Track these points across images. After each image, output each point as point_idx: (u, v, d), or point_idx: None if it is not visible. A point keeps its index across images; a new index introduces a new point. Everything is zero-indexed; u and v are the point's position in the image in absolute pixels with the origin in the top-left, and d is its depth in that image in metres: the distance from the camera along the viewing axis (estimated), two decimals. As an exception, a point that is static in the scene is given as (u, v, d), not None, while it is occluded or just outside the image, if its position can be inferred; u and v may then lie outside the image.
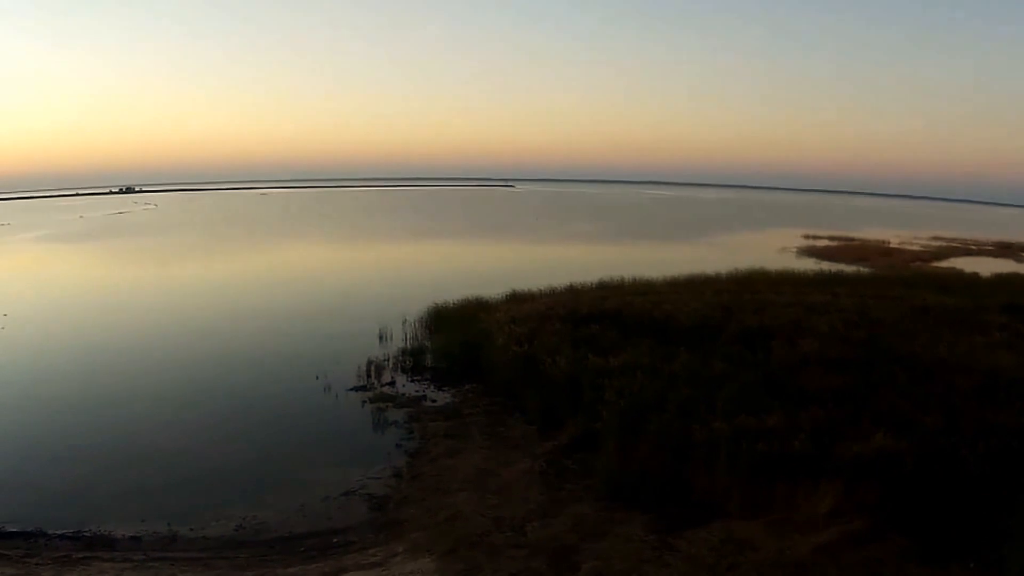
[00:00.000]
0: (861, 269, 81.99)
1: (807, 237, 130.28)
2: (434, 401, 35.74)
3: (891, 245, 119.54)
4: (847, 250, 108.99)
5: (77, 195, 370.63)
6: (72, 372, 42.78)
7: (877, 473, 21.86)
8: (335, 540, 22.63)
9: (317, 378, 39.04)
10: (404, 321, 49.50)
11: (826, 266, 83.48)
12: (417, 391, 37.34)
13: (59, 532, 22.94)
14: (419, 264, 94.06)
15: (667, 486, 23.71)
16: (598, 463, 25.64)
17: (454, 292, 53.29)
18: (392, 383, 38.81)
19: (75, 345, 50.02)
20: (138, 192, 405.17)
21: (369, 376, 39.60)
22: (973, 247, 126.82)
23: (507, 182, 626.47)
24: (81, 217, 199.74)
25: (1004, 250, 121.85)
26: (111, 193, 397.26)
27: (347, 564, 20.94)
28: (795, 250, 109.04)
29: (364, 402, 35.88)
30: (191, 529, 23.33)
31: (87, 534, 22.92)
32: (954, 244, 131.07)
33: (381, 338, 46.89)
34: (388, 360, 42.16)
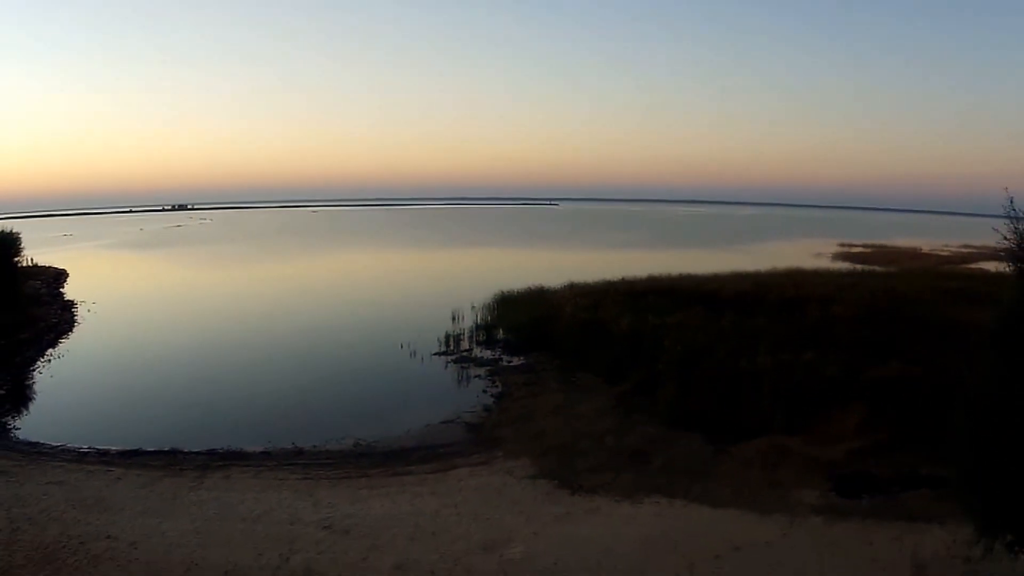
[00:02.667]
0: (891, 269, 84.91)
1: (841, 245, 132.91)
2: (509, 362, 40.16)
3: (922, 251, 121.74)
4: (879, 255, 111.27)
5: (132, 212, 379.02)
6: (196, 342, 48.62)
7: (897, 395, 25.98)
8: (442, 451, 26.99)
9: (402, 347, 43.60)
10: (473, 307, 53.65)
11: (859, 268, 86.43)
12: (492, 356, 41.78)
13: (196, 450, 27.29)
14: (479, 265, 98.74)
15: (719, 413, 27.88)
16: (660, 397, 29.90)
17: (515, 286, 56.92)
18: (469, 350, 43.33)
19: (196, 324, 55.82)
20: (191, 209, 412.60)
21: (448, 345, 44.17)
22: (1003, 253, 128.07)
23: (551, 201, 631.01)
24: (141, 229, 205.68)
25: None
26: (165, 210, 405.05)
27: (457, 463, 25.33)
28: (830, 255, 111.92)
29: (447, 364, 40.46)
30: (314, 446, 27.72)
31: (221, 451, 27.23)
32: (984, 250, 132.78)
33: (454, 319, 51.19)
34: (463, 334, 46.58)
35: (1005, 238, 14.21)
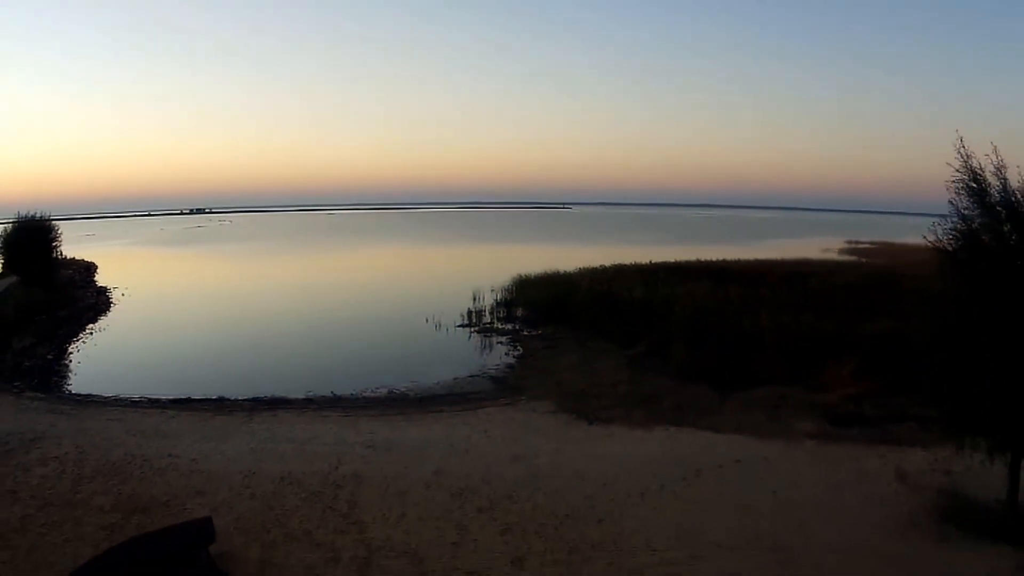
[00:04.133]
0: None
1: (849, 242, 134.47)
2: (529, 332, 42.19)
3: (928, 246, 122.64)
4: (884, 251, 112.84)
5: (150, 215, 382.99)
6: (234, 317, 51.35)
7: (887, 347, 27.90)
8: (470, 396, 29.18)
9: (427, 320, 45.74)
10: (492, 289, 55.77)
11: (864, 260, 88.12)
12: (513, 328, 43.85)
13: (242, 398, 29.43)
14: (498, 257, 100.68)
15: (726, 367, 29.83)
16: (671, 355, 31.90)
17: (532, 271, 58.80)
18: (490, 323, 45.47)
19: (234, 304, 58.45)
20: (209, 213, 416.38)
21: (470, 319, 46.32)
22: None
23: (564, 204, 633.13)
24: (162, 229, 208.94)
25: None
26: (183, 213, 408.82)
27: (484, 404, 27.49)
28: (837, 250, 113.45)
29: (470, 334, 42.57)
30: (351, 394, 29.98)
31: (265, 398, 29.33)
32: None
33: (474, 299, 53.20)
34: (484, 310, 48.73)
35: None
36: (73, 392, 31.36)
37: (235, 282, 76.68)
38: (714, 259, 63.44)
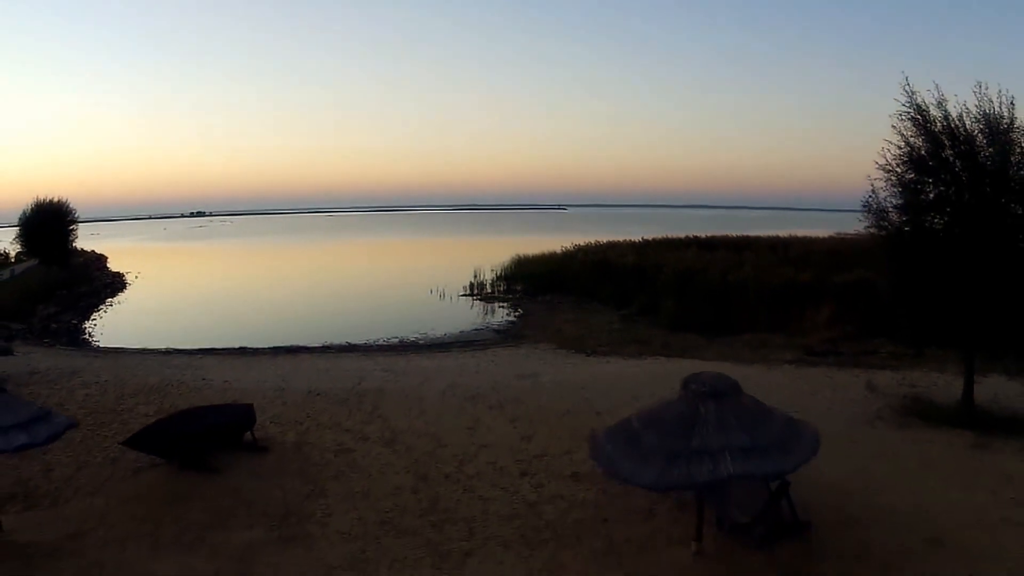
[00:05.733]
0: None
1: (837, 233, 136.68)
2: (528, 299, 44.00)
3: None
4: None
5: (150, 219, 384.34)
6: (248, 293, 52.94)
7: (862, 295, 29.76)
8: (476, 343, 31.09)
9: (431, 292, 47.52)
10: (492, 268, 57.45)
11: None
12: (512, 297, 45.65)
13: (265, 346, 31.20)
14: (494, 245, 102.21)
15: (712, 318, 31.73)
16: (661, 310, 33.78)
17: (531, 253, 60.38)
18: (491, 293, 47.25)
19: (246, 284, 60.03)
20: (208, 216, 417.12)
21: (472, 289, 48.21)
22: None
23: (559, 206, 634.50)
24: (165, 229, 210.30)
25: None
26: (183, 216, 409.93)
27: (493, 348, 29.36)
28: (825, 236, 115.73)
29: (473, 302, 44.39)
30: (365, 342, 31.97)
31: (285, 347, 31.05)
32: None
33: (475, 275, 54.83)
34: (484, 283, 50.49)
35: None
36: (102, 346, 33.08)
37: (248, 265, 78.94)
38: (703, 235, 65.00)
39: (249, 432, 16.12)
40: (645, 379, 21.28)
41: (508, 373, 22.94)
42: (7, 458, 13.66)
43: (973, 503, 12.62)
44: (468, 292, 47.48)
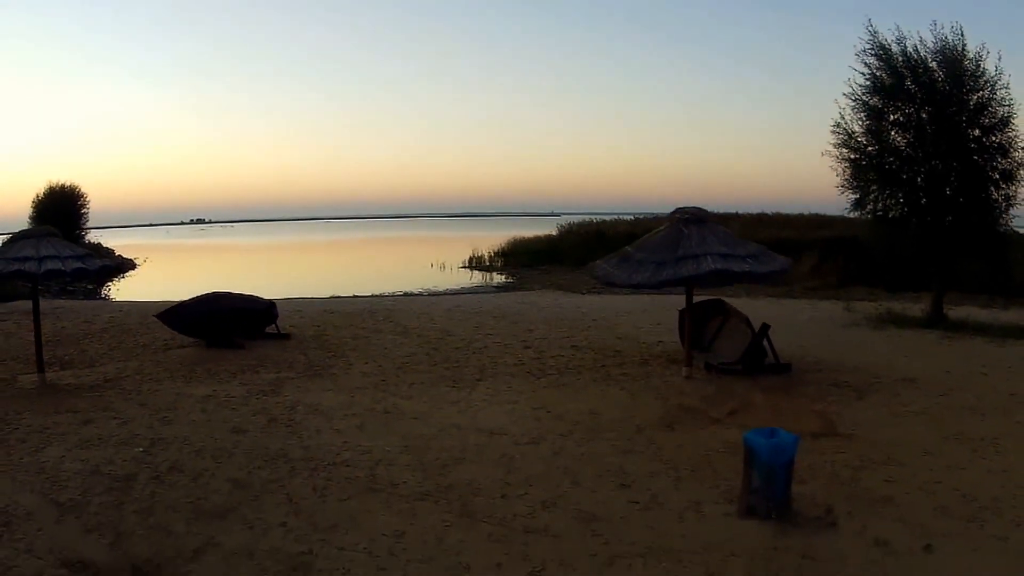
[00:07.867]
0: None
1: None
2: (526, 269, 44.91)
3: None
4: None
5: (151, 225, 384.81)
6: (256, 274, 53.68)
7: (841, 248, 30.81)
8: (480, 291, 32.16)
9: (432, 265, 48.41)
10: (490, 250, 58.50)
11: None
12: (510, 270, 46.54)
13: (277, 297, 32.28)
14: (493, 238, 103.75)
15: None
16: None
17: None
18: (490, 266, 48.15)
19: (252, 269, 60.93)
20: (209, 223, 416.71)
21: (472, 263, 49.09)
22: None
23: (552, 214, 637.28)
24: (167, 232, 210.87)
25: None
26: (183, 223, 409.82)
27: (494, 294, 30.43)
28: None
29: (472, 273, 45.25)
30: (371, 294, 32.74)
31: (294, 298, 32.11)
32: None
33: (473, 255, 55.96)
34: (484, 259, 51.40)
35: None
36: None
37: (256, 254, 79.46)
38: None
39: (273, 324, 17.13)
40: (637, 303, 22.46)
41: (510, 302, 24.22)
42: (45, 339, 14.37)
43: (944, 363, 13.70)
44: (468, 265, 48.30)
